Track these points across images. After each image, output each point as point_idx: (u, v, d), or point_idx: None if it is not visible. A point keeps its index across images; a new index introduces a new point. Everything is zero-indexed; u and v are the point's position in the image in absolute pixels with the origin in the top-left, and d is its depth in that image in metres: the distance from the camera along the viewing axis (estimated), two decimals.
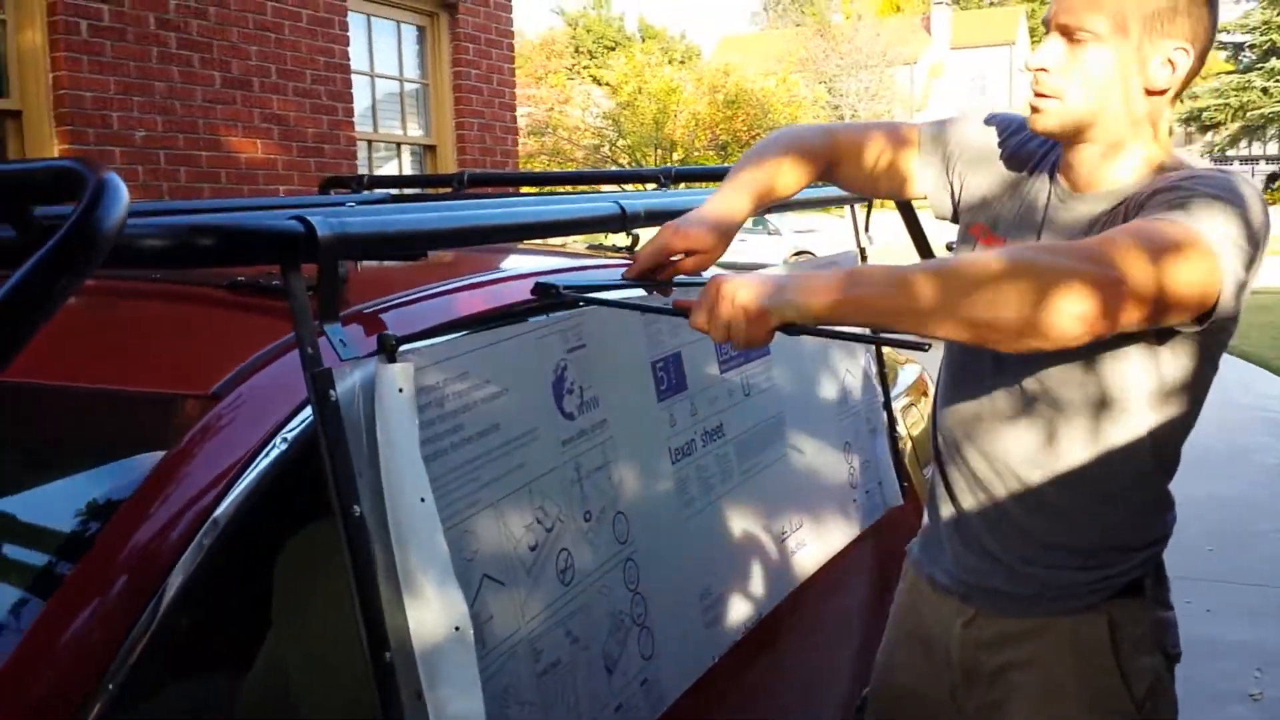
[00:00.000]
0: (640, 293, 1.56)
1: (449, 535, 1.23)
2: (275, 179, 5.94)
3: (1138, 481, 1.46)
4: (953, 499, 1.59)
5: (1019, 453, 1.48)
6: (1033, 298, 1.12)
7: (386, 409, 1.12)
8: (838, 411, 2.35)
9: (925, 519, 1.72)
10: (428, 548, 1.13)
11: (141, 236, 0.97)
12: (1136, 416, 1.41)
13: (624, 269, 1.49)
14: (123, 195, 0.81)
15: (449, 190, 3.05)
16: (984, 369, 1.50)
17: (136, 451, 1.26)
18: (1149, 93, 1.36)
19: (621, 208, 1.57)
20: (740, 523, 1.90)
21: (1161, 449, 1.44)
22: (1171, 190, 1.28)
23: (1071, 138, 1.40)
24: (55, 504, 1.21)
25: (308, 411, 1.25)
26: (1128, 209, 1.34)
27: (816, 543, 2.12)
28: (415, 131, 7.37)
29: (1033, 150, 1.53)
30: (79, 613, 1.08)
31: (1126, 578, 1.48)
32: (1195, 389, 1.41)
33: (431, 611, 1.13)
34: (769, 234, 17.79)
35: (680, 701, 1.65)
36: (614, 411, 1.58)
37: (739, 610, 1.85)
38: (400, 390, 1.13)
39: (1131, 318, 1.17)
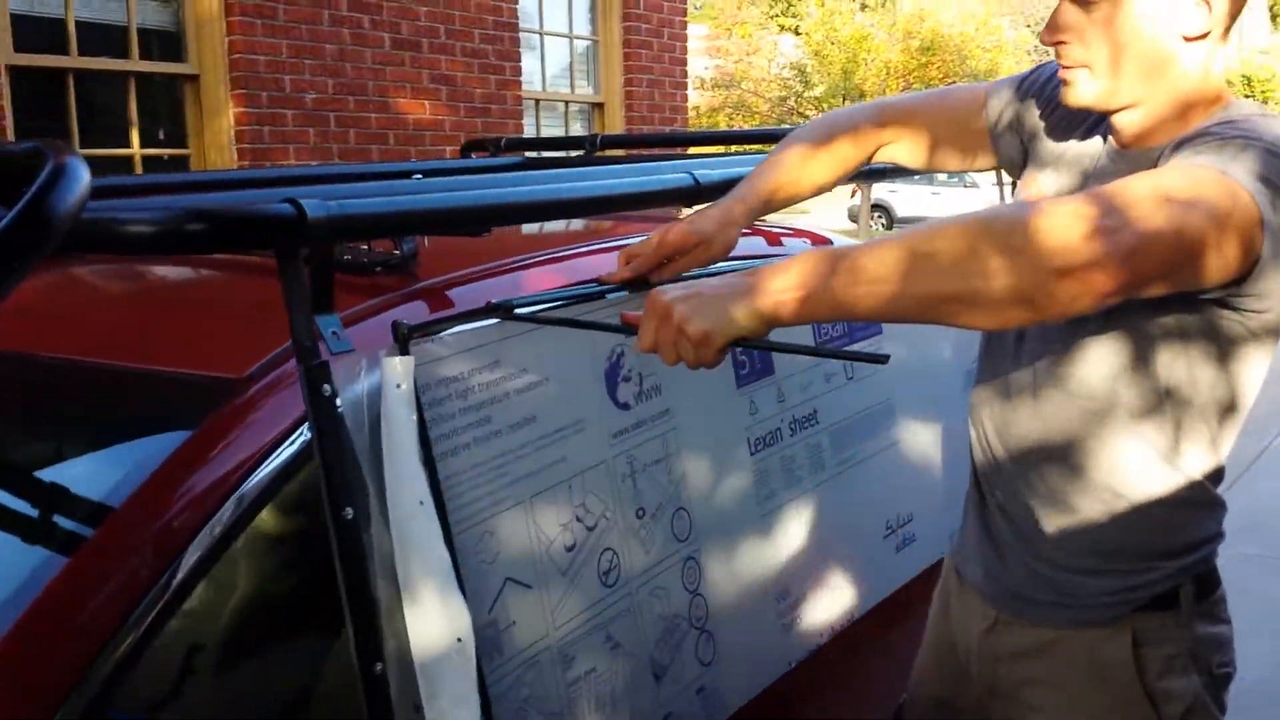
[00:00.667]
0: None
1: (467, 537, 1.17)
2: (442, 140, 6.04)
3: (1166, 482, 1.27)
4: (977, 487, 1.45)
5: (1032, 439, 1.33)
6: (1016, 259, 0.96)
7: (385, 405, 1.07)
8: (961, 396, 2.16)
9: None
10: (427, 553, 1.07)
11: (123, 221, 0.94)
12: (1165, 407, 1.24)
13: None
14: (81, 178, 0.77)
15: (581, 153, 2.99)
16: (1007, 349, 1.35)
17: (163, 431, 1.25)
18: (1187, 40, 1.17)
19: (695, 179, 1.46)
20: (834, 518, 1.76)
21: (1196, 447, 1.26)
22: (1200, 137, 1.11)
23: (1110, 108, 1.24)
24: (76, 477, 1.21)
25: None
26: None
27: (927, 539, 1.96)
28: (583, 89, 7.36)
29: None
30: (85, 584, 1.07)
31: (1155, 589, 1.30)
32: (1240, 378, 1.22)
33: (432, 621, 1.07)
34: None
35: (747, 709, 1.56)
36: (680, 400, 1.48)
37: (825, 612, 1.73)
38: (399, 386, 1.07)
39: (1142, 275, 1.01)
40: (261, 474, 1.19)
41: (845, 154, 1.50)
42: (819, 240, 2.18)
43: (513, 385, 1.24)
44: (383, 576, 1.08)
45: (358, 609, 1.03)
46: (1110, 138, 1.30)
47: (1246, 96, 30.71)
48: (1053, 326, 1.27)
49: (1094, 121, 1.33)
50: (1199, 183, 1.03)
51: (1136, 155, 1.25)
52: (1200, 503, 1.30)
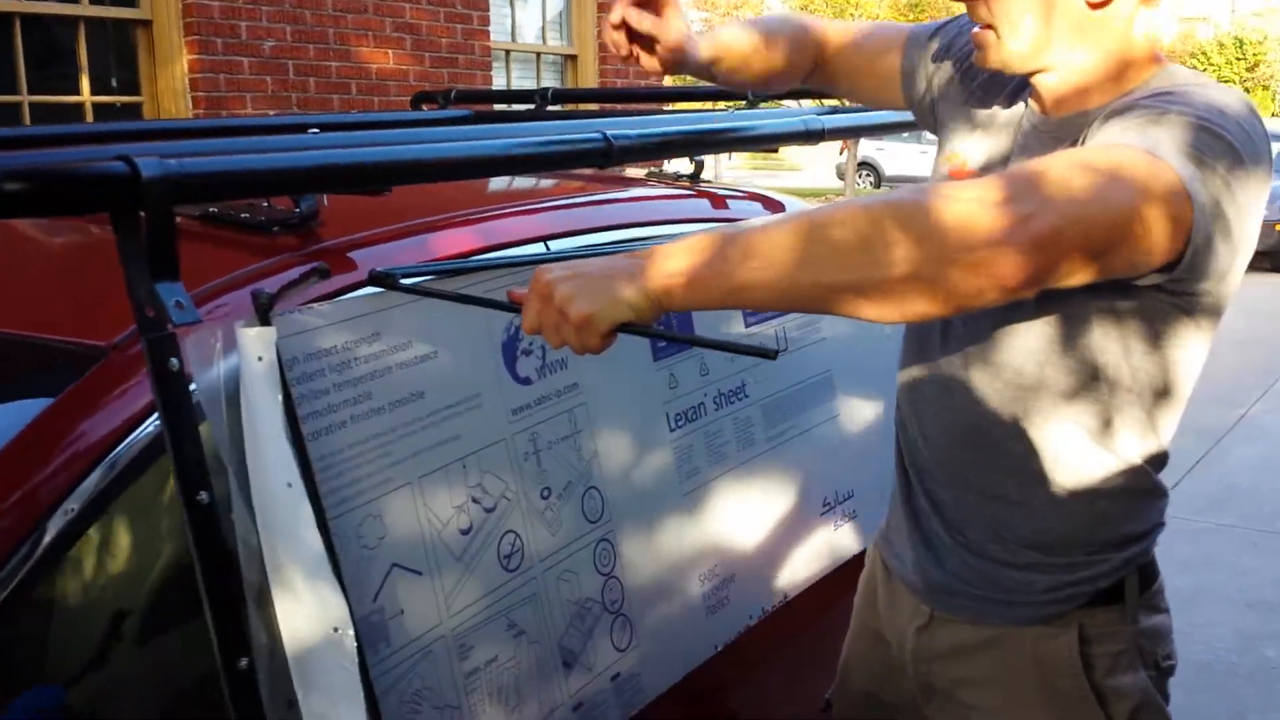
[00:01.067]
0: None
1: (346, 521, 1.09)
2: (407, 90, 5.89)
3: (1106, 470, 1.21)
4: (905, 477, 1.37)
5: (963, 428, 1.26)
6: (916, 247, 0.89)
7: (244, 381, 0.98)
8: None
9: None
10: (296, 539, 0.99)
11: None
12: (1101, 393, 1.17)
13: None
14: None
15: (531, 107, 2.87)
16: (932, 332, 1.28)
17: (26, 398, 1.17)
18: (1092, 5, 1.10)
19: (607, 139, 1.36)
20: (766, 495, 1.69)
21: (1135, 433, 1.20)
22: (1128, 110, 1.03)
23: (1023, 71, 1.17)
24: None
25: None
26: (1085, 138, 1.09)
27: (870, 515, 1.89)
28: (555, 41, 7.20)
29: None
30: None
31: (1100, 583, 1.23)
32: (1180, 363, 1.16)
33: (305, 611, 0.99)
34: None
35: (671, 695, 1.49)
36: (590, 375, 1.40)
37: (755, 593, 1.66)
38: (260, 359, 0.98)
39: (1055, 265, 0.93)
40: (129, 444, 1.11)
41: (788, 49, 1.46)
42: (772, 205, 2.09)
43: (397, 359, 1.15)
44: (248, 564, 1.00)
45: (217, 600, 0.95)
46: (1032, 102, 1.22)
47: (1238, 59, 30.58)
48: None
49: (1019, 84, 1.25)
50: (1121, 164, 0.95)
51: (1060, 122, 1.18)
52: (1142, 490, 1.24)
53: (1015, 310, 1.17)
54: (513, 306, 1.05)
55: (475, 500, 1.23)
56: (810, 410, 1.80)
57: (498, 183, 1.90)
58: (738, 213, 1.95)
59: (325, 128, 1.60)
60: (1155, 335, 1.13)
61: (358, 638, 1.01)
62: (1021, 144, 1.21)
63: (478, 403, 1.24)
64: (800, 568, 1.76)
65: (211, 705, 1.01)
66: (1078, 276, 0.96)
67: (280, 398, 0.99)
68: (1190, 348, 1.15)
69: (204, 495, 0.94)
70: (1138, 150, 0.96)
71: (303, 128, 1.62)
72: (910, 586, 1.37)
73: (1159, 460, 1.24)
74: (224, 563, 0.96)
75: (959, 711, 1.34)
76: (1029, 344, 1.18)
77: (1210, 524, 4.37)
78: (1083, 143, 1.08)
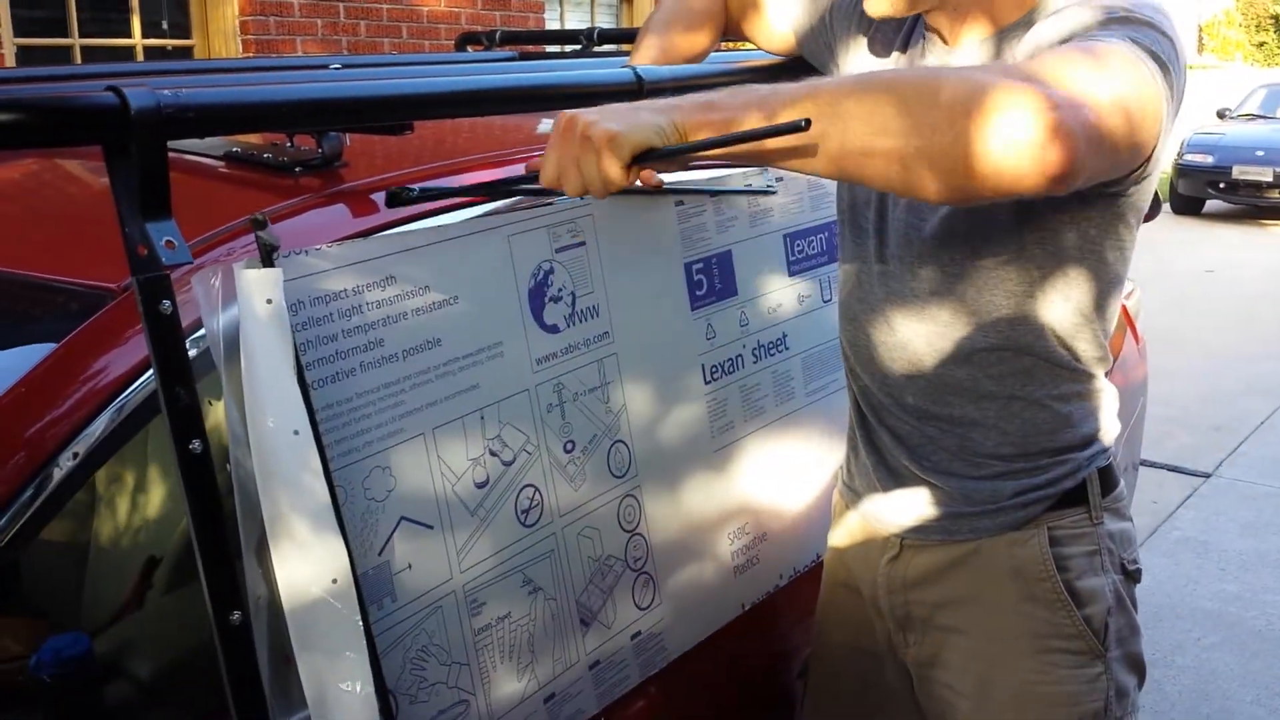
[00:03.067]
0: None
1: (352, 472, 1.05)
2: (458, 33, 5.81)
3: (1053, 375, 1.25)
4: (860, 415, 1.39)
5: (911, 349, 1.28)
6: (983, 121, 0.86)
7: (248, 324, 0.94)
8: None
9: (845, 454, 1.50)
10: (299, 487, 0.95)
11: None
12: (1039, 300, 1.21)
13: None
14: None
15: (578, 47, 2.80)
16: (868, 254, 1.31)
17: (34, 340, 1.14)
18: None
19: (639, 77, 1.29)
20: (801, 452, 1.63)
21: (1076, 337, 1.24)
22: (1063, 15, 1.05)
23: (917, 9, 1.18)
24: None
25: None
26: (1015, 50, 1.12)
27: None
28: None
29: None
30: None
31: (1064, 484, 1.27)
32: (1116, 265, 1.21)
33: (304, 563, 0.96)
34: None
35: (695, 653, 1.45)
36: (622, 323, 1.34)
37: (788, 552, 1.61)
38: (269, 301, 0.94)
39: (1097, 156, 0.93)
40: (136, 388, 1.09)
41: (704, 27, 1.51)
42: None
43: (412, 304, 1.10)
44: (245, 515, 0.97)
45: (209, 552, 0.91)
46: (931, 38, 1.23)
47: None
48: (915, 235, 1.23)
49: (909, 28, 1.27)
50: (1124, 59, 0.96)
51: (960, 51, 1.19)
52: (1094, 391, 1.28)
53: (951, 229, 1.20)
54: (531, 177, 1.00)
55: (493, 453, 1.19)
56: None
57: (525, 126, 1.84)
58: None
59: (347, 66, 1.54)
60: (1098, 241, 1.17)
61: (359, 590, 0.97)
62: None
63: (499, 351, 1.19)
64: None
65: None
66: (1104, 170, 0.98)
67: (289, 341, 0.95)
68: (1125, 248, 1.20)
69: (196, 444, 0.90)
70: (1120, 45, 0.96)
71: (324, 67, 1.57)
72: (878, 523, 1.38)
73: (1105, 361, 1.28)
74: (216, 513, 0.92)
75: (938, 637, 1.33)
76: (960, 253, 1.20)
77: (1273, 488, 4.22)
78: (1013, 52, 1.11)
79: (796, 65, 1.52)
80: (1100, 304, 1.22)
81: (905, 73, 0.94)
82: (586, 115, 0.94)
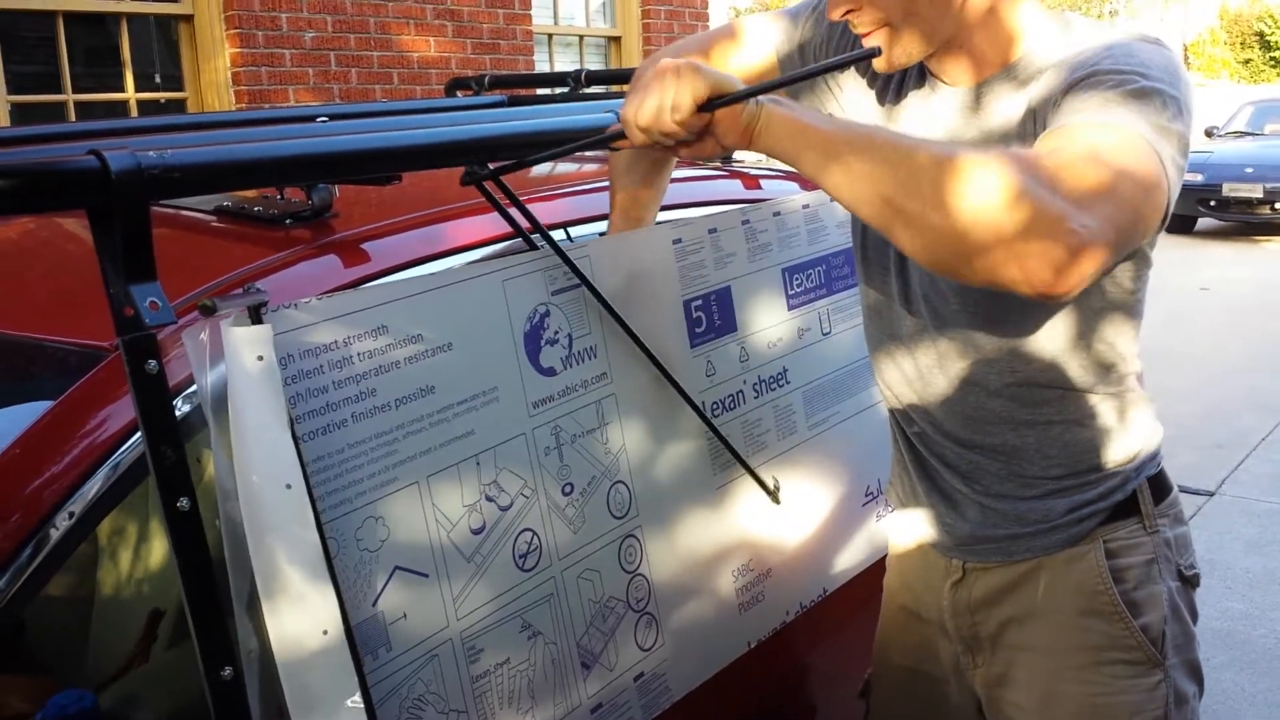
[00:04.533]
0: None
1: (344, 523, 1.05)
2: (449, 77, 5.86)
3: (1088, 399, 1.27)
4: (909, 445, 1.39)
5: (943, 384, 1.29)
6: (1005, 239, 0.91)
7: (237, 380, 0.93)
8: None
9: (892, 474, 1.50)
10: (292, 541, 0.94)
11: None
12: (1066, 334, 1.23)
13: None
14: None
15: (565, 90, 2.81)
16: (890, 291, 1.32)
17: (28, 400, 1.14)
18: None
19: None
20: (804, 486, 1.62)
21: (1106, 362, 1.26)
22: (1094, 78, 1.05)
23: (929, 53, 1.17)
24: None
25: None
26: (1038, 107, 1.12)
27: None
28: (599, 23, 7.12)
29: None
30: None
31: (1115, 497, 1.28)
32: (1135, 290, 1.24)
33: (295, 616, 0.95)
34: None
35: (699, 694, 1.43)
36: (621, 363, 1.34)
37: (793, 588, 1.60)
38: (260, 358, 0.94)
39: (1112, 261, 0.98)
40: (131, 446, 1.08)
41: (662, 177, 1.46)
42: (807, 186, 2.01)
43: (404, 353, 1.10)
44: (236, 569, 0.96)
45: (199, 608, 0.91)
46: (936, 81, 1.22)
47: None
48: (938, 275, 1.22)
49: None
50: (1136, 156, 0.97)
51: (985, 86, 1.18)
52: (1131, 404, 1.29)
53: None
54: (601, 129, 1.09)
55: (489, 498, 1.18)
56: (853, 396, 1.73)
57: (527, 170, 1.85)
58: (771, 193, 1.88)
59: (334, 117, 1.55)
60: (1119, 275, 1.20)
61: (352, 641, 0.96)
62: (952, 120, 1.21)
63: (494, 396, 1.19)
64: (840, 561, 1.70)
65: None
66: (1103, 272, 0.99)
67: (281, 396, 0.95)
68: (1145, 275, 1.23)
69: (184, 501, 0.90)
70: (1137, 136, 0.98)
71: (312, 118, 1.58)
72: (938, 547, 1.39)
73: (1138, 374, 1.30)
74: (205, 570, 0.91)
75: (1006, 655, 1.34)
76: (995, 311, 1.21)
77: (1276, 504, 4.21)
78: (1036, 108, 1.12)
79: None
80: (1127, 327, 1.25)
81: (944, 155, 0.96)
82: (671, 57, 1.03)
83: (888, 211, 0.95)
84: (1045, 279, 0.91)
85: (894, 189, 0.94)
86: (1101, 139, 0.97)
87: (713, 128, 1.00)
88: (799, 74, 1.06)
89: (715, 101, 0.98)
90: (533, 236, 1.30)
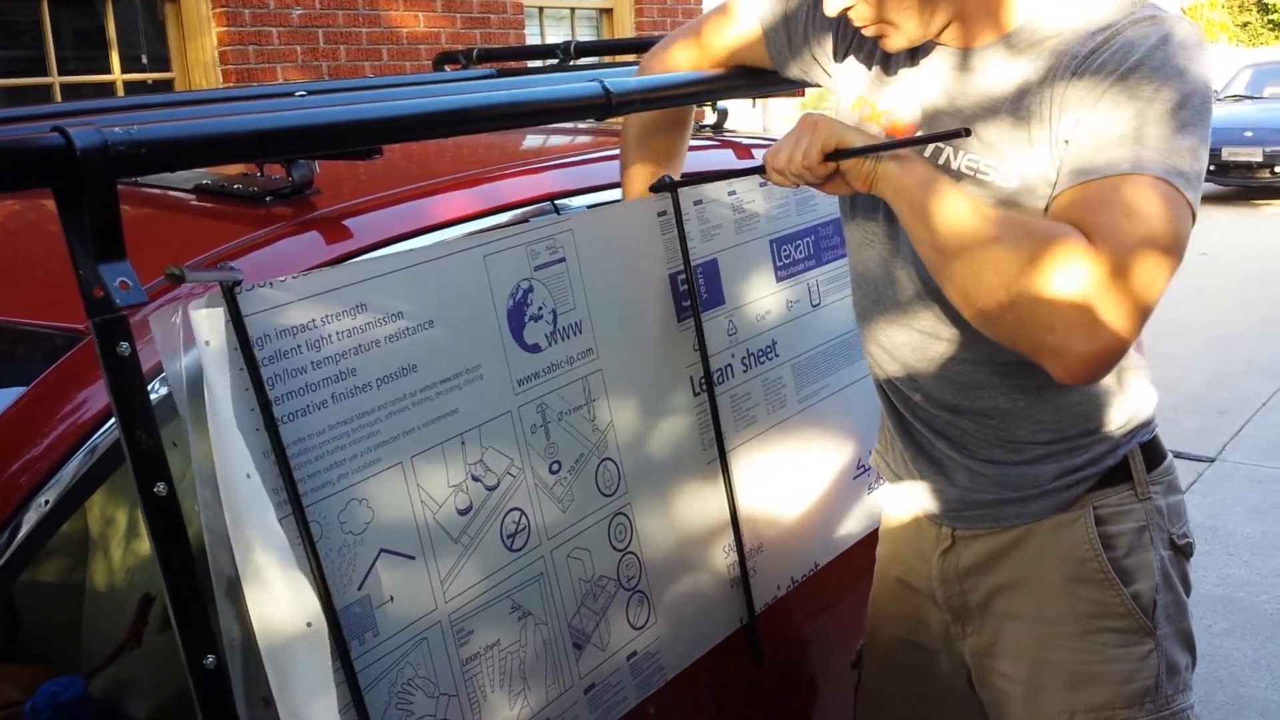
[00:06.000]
0: None
1: (327, 506, 1.03)
2: (438, 53, 5.80)
3: None
4: (896, 413, 1.38)
5: (932, 352, 1.28)
6: (1026, 306, 1.03)
7: (203, 366, 0.91)
8: None
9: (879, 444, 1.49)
10: (260, 531, 0.93)
11: None
12: None
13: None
14: None
15: (555, 61, 2.78)
16: (879, 258, 1.31)
17: (7, 384, 1.12)
18: None
19: (607, 91, 1.27)
20: (795, 460, 1.61)
21: None
22: (1116, 92, 1.06)
23: (932, 34, 1.17)
24: None
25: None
26: (1040, 80, 1.13)
27: None
28: None
29: None
30: None
31: (1105, 462, 1.27)
32: None
33: (276, 605, 0.93)
34: None
35: (692, 671, 1.42)
36: (606, 338, 1.32)
37: (785, 562, 1.58)
38: (207, 344, 0.92)
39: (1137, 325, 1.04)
40: (107, 430, 1.07)
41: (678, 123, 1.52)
42: None
43: (384, 331, 1.08)
44: (217, 556, 0.94)
45: (179, 596, 0.89)
46: (943, 43, 1.21)
47: None
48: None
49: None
50: (1177, 223, 1.03)
51: (982, 53, 1.18)
52: (1124, 369, 1.27)
53: None
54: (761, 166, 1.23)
55: (475, 478, 1.16)
56: (843, 368, 1.71)
57: (507, 144, 1.82)
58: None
59: (314, 93, 1.52)
60: None
61: (337, 629, 0.95)
62: (947, 83, 1.20)
63: (478, 374, 1.17)
64: (832, 534, 1.68)
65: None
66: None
67: (228, 384, 0.92)
68: None
69: (161, 486, 0.88)
70: (1174, 195, 1.02)
71: (290, 95, 1.55)
72: (928, 515, 1.38)
73: (1138, 343, 1.26)
74: (184, 557, 0.89)
75: (995, 624, 1.33)
76: None
77: (1277, 469, 4.20)
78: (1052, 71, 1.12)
79: (769, 75, 1.50)
80: None
81: (1020, 250, 1.03)
82: (822, 115, 1.16)
83: (957, 280, 1.07)
84: (1079, 376, 1.04)
85: (966, 268, 1.05)
86: (1146, 215, 1.02)
87: (843, 173, 1.13)
88: (901, 141, 1.15)
89: (839, 153, 1.12)
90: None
